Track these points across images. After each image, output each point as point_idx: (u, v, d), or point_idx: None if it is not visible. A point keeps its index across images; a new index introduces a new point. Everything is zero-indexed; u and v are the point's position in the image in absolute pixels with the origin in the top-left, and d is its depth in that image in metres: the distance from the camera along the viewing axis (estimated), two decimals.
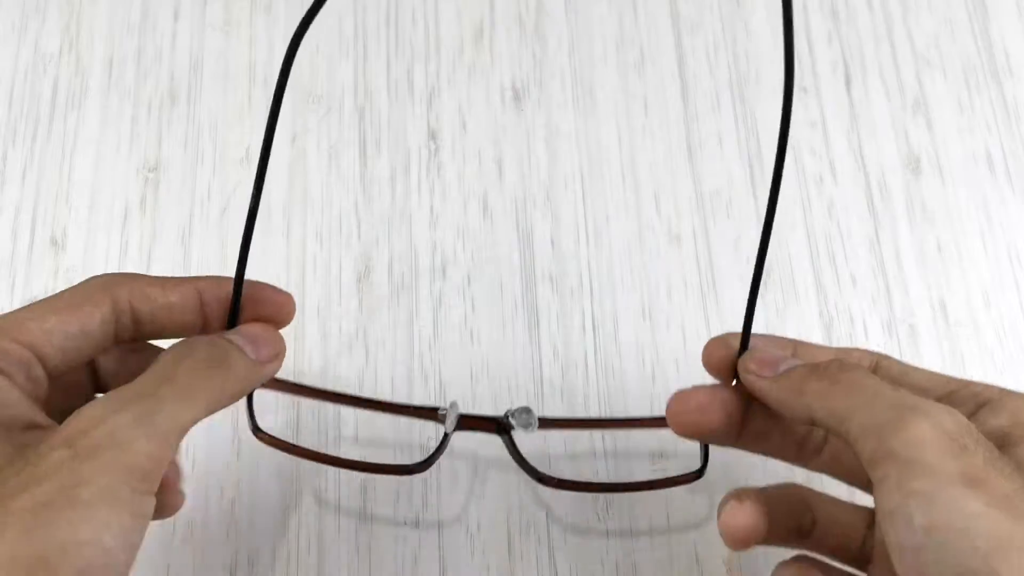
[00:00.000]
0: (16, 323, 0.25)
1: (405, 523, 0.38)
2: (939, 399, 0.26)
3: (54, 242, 0.43)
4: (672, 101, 0.46)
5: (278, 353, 0.27)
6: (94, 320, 0.26)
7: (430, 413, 0.34)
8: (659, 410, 0.40)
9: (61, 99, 0.46)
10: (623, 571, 0.38)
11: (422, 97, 0.46)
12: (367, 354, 0.41)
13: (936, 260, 0.43)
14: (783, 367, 0.29)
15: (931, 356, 0.41)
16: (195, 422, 0.24)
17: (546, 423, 0.35)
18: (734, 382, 0.31)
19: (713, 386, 0.31)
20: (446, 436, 0.33)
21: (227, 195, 0.44)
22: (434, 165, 0.44)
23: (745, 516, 0.28)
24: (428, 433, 0.40)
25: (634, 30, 0.47)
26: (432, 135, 0.45)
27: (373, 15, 0.48)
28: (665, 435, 0.40)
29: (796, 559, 0.30)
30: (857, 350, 0.30)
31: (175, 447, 0.23)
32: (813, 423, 0.27)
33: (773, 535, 0.29)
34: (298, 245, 0.43)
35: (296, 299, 0.42)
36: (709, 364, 0.31)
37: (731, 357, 0.30)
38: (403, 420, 0.40)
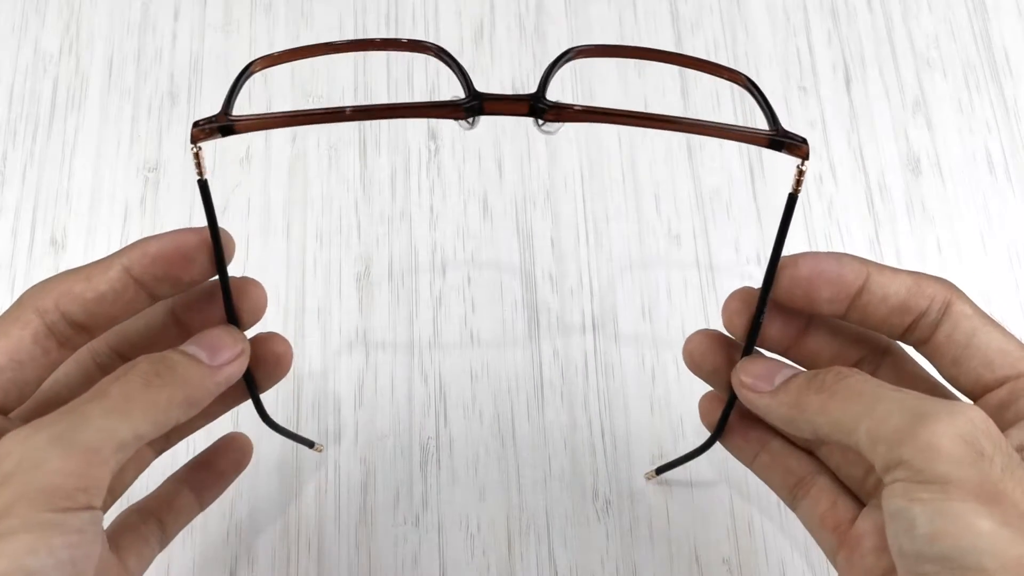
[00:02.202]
0: None
1: (405, 523, 0.38)
2: (996, 383, 0.25)
3: (54, 242, 0.43)
4: (672, 101, 0.46)
5: (238, 354, 0.26)
6: (24, 344, 0.25)
7: (451, 110, 0.27)
8: (659, 410, 0.40)
9: (61, 99, 0.46)
10: (623, 571, 0.38)
11: (422, 97, 0.46)
12: (367, 354, 0.41)
13: (936, 260, 0.43)
14: (779, 379, 0.27)
15: None
16: (138, 435, 0.23)
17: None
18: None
19: (709, 397, 0.30)
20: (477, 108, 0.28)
21: (227, 195, 0.44)
22: (434, 165, 0.44)
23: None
24: (428, 433, 0.40)
25: (634, 30, 0.47)
26: (432, 135, 0.45)
27: (373, 15, 0.48)
28: (664, 433, 0.40)
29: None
30: (931, 282, 0.27)
31: (112, 461, 0.23)
32: (822, 440, 0.26)
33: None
34: (298, 245, 0.43)
35: (296, 299, 0.42)
36: (698, 368, 0.30)
37: (728, 364, 0.29)
38: (403, 420, 0.40)
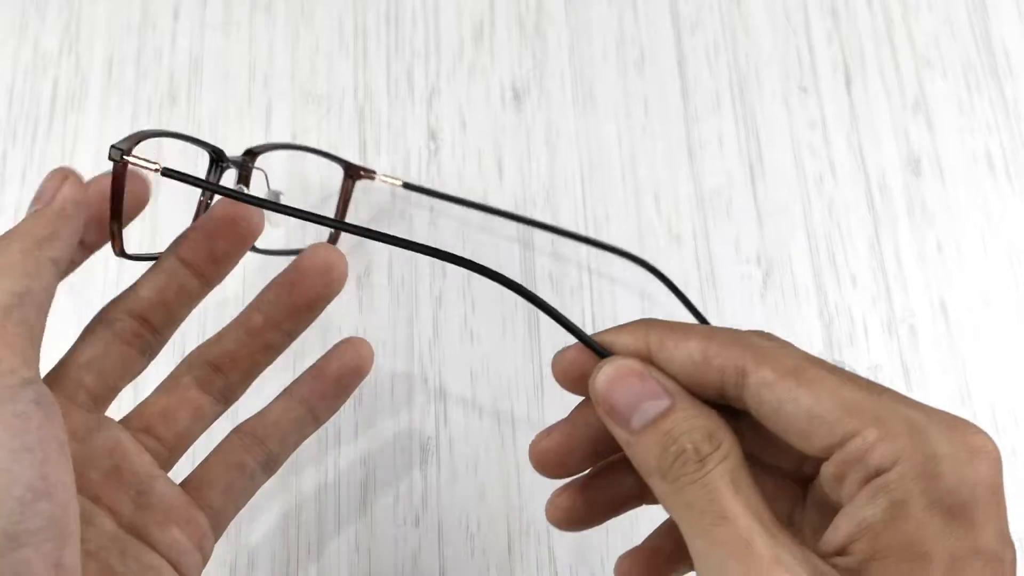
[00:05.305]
0: None
1: (405, 523, 0.38)
2: (822, 453, 0.21)
3: None
4: (672, 101, 0.46)
5: (61, 181, 0.26)
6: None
7: None
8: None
9: (61, 99, 0.46)
10: None
11: (422, 97, 0.46)
12: None
13: (936, 260, 0.43)
14: (636, 420, 0.22)
15: (931, 356, 0.41)
16: (14, 292, 0.23)
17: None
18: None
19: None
20: None
21: None
22: (434, 165, 0.44)
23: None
24: (428, 433, 0.40)
25: (634, 30, 0.47)
26: (432, 135, 0.45)
27: (373, 15, 0.48)
28: None
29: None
30: (723, 347, 0.23)
31: (9, 322, 0.23)
32: None
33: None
34: (298, 245, 0.43)
35: None
36: (566, 381, 0.26)
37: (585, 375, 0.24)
38: (403, 420, 0.40)
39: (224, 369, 0.30)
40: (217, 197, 0.30)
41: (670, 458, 0.22)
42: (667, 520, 0.28)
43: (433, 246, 0.26)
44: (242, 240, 0.30)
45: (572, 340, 0.25)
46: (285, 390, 0.31)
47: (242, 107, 0.46)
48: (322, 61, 0.47)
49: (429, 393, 0.40)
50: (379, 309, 0.42)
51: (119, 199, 0.27)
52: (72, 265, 0.27)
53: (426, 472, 0.39)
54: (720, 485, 0.21)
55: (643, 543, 0.28)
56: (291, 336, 0.31)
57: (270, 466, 0.30)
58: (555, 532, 0.38)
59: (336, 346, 0.32)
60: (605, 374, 0.23)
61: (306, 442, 0.38)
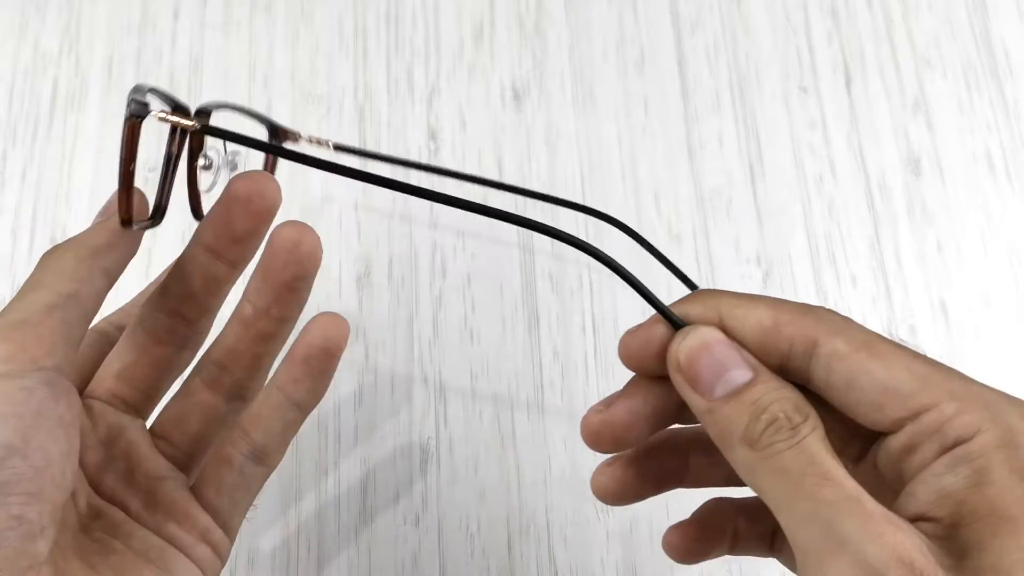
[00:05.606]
0: None
1: (405, 523, 0.38)
2: (893, 426, 0.22)
3: (54, 242, 0.43)
4: (672, 101, 0.46)
5: (105, 210, 0.27)
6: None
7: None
8: None
9: (61, 99, 0.46)
10: (623, 571, 0.38)
11: (422, 97, 0.46)
12: (367, 354, 0.41)
13: (936, 260, 0.43)
14: (720, 389, 0.22)
15: (931, 356, 0.41)
16: (59, 293, 0.24)
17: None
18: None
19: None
20: None
21: None
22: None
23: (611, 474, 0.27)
24: (428, 433, 0.40)
25: (634, 30, 0.47)
26: (432, 135, 0.45)
27: (373, 15, 0.48)
28: None
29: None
30: (793, 318, 0.23)
31: (46, 323, 0.24)
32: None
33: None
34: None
35: None
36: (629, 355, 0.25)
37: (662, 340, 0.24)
38: (403, 420, 0.40)
39: (229, 366, 0.29)
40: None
41: (761, 426, 0.22)
42: (711, 500, 0.29)
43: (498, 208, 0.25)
44: (261, 217, 0.29)
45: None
46: (270, 378, 0.30)
47: None
48: (322, 61, 0.47)
49: (429, 393, 0.40)
50: (379, 309, 0.42)
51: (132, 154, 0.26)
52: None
53: (426, 472, 0.39)
54: (819, 448, 0.21)
55: (691, 517, 0.29)
56: (284, 322, 0.29)
57: (260, 458, 0.29)
58: (555, 532, 0.38)
59: (304, 326, 0.29)
60: (689, 343, 0.23)
61: (306, 442, 0.38)
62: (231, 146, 0.30)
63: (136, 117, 0.25)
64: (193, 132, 0.27)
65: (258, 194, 0.29)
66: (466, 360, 0.41)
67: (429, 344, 0.41)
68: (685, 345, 0.23)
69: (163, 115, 0.26)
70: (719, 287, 0.42)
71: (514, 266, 0.43)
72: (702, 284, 0.42)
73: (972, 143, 0.45)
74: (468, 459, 0.39)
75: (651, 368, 0.25)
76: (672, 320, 0.24)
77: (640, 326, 0.25)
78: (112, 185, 0.43)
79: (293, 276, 0.28)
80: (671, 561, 0.38)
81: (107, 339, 0.30)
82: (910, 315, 0.42)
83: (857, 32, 0.48)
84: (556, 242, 0.43)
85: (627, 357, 0.25)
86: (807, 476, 0.21)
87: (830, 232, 0.44)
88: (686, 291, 0.27)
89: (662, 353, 0.24)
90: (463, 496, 0.39)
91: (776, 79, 0.46)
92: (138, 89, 0.25)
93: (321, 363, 0.28)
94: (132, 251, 0.27)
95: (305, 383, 0.29)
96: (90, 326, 0.27)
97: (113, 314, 0.32)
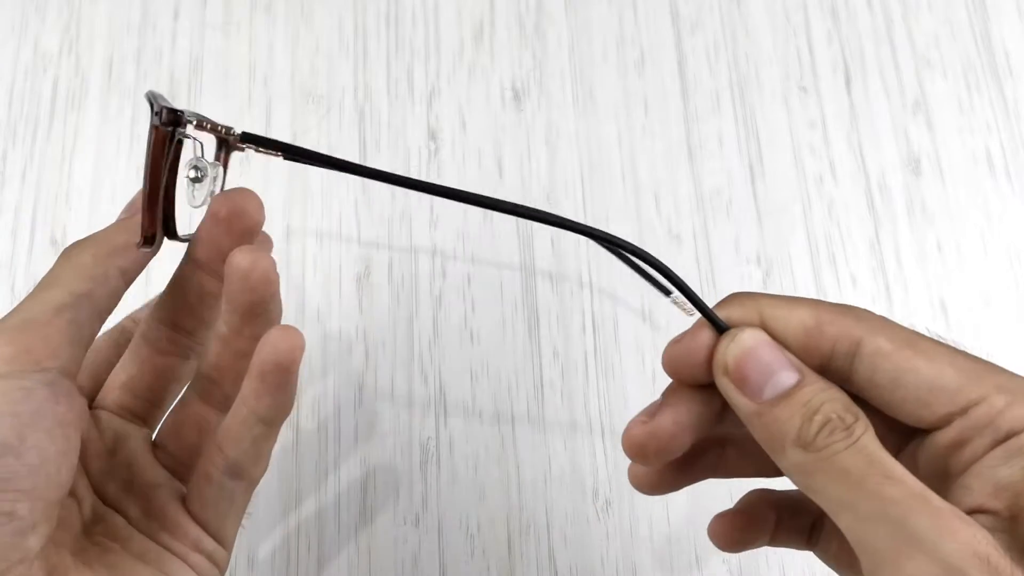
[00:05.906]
0: None
1: (405, 523, 0.38)
2: (940, 422, 0.22)
3: (54, 242, 0.43)
4: (672, 101, 0.46)
5: (130, 207, 0.28)
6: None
7: None
8: None
9: (61, 99, 0.46)
10: (623, 571, 0.38)
11: (422, 97, 0.46)
12: (367, 354, 0.41)
13: (936, 260, 0.43)
14: (768, 392, 0.22)
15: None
16: (72, 293, 0.24)
17: None
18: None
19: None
20: None
21: None
22: (434, 165, 0.44)
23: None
24: (428, 433, 0.40)
25: (634, 30, 0.47)
26: (432, 135, 0.45)
27: (373, 15, 0.48)
28: None
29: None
30: (835, 319, 0.23)
31: (55, 322, 0.24)
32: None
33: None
34: (298, 245, 0.43)
35: (296, 299, 0.42)
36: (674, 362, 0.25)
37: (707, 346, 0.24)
38: (403, 420, 0.40)
39: (218, 380, 0.30)
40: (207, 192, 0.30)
41: (815, 427, 0.21)
42: (753, 491, 0.28)
43: (529, 207, 0.25)
44: (245, 235, 0.29)
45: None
46: (239, 394, 0.29)
47: (242, 107, 0.46)
48: (322, 61, 0.46)
49: (429, 393, 0.40)
50: (379, 309, 0.42)
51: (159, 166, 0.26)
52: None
53: (426, 472, 0.39)
54: (876, 447, 0.21)
55: (735, 507, 0.28)
56: (258, 340, 0.28)
57: (236, 473, 0.28)
58: (555, 532, 0.38)
59: (260, 341, 0.28)
60: (736, 345, 0.23)
61: (306, 442, 0.38)
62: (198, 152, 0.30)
63: (169, 126, 0.25)
64: (222, 139, 0.27)
65: (237, 214, 0.28)
66: (466, 360, 0.41)
67: (429, 344, 0.41)
68: (732, 348, 0.23)
69: (201, 124, 0.26)
70: (719, 287, 0.42)
71: (514, 266, 0.43)
72: (702, 284, 0.42)
73: (972, 143, 0.45)
74: (468, 459, 0.39)
75: (695, 375, 0.24)
76: (717, 324, 0.24)
77: (684, 334, 0.25)
78: (112, 185, 0.43)
79: (250, 302, 0.28)
80: (671, 561, 0.38)
81: (127, 337, 0.31)
82: (910, 315, 0.42)
83: (857, 32, 0.48)
84: (556, 242, 0.43)
85: (671, 366, 0.25)
86: (869, 475, 0.20)
87: (830, 232, 0.44)
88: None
89: (707, 360, 0.24)
90: (463, 496, 0.39)
91: (776, 79, 0.46)
92: (155, 96, 0.25)
93: (276, 378, 0.27)
94: (153, 251, 0.27)
95: (266, 399, 0.28)
96: (113, 323, 0.27)
97: (137, 311, 0.32)
